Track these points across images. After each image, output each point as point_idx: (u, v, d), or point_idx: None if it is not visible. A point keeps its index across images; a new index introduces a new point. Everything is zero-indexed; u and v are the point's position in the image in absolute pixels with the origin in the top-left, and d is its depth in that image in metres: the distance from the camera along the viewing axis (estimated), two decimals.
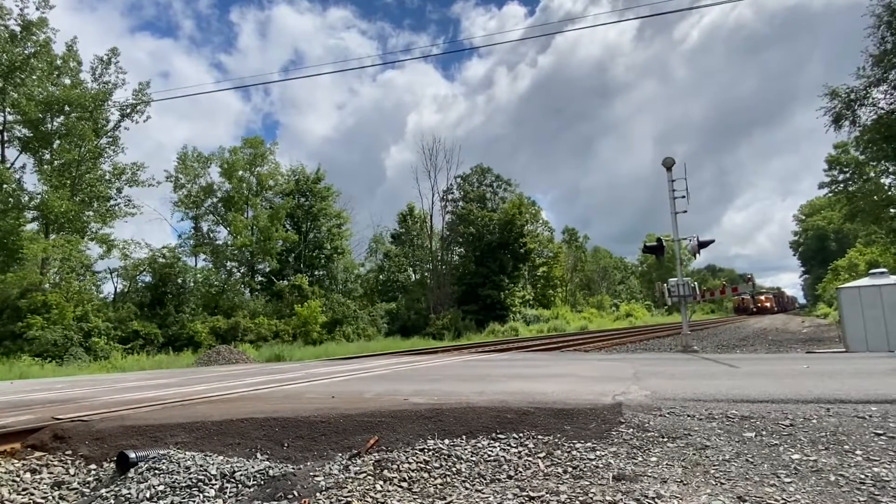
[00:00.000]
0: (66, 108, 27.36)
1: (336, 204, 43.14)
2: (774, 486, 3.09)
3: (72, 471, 4.14)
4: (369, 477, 3.48)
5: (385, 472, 3.56)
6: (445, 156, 55.46)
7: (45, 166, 27.74)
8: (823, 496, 2.92)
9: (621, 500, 2.94)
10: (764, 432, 4.03)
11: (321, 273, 41.86)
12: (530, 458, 3.79)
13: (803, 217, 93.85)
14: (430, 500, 3.18)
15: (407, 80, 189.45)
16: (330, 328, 33.05)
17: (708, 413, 4.58)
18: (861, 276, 21.22)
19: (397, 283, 47.09)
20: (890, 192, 28.04)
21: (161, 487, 3.44)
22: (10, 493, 3.75)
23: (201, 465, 3.75)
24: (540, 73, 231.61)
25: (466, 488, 3.35)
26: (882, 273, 14.02)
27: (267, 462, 4.02)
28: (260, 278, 39.57)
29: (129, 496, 3.37)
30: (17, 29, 26.00)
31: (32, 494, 3.77)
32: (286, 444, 4.40)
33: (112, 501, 3.38)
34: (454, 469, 3.65)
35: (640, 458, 3.68)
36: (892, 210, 27.66)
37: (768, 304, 79.14)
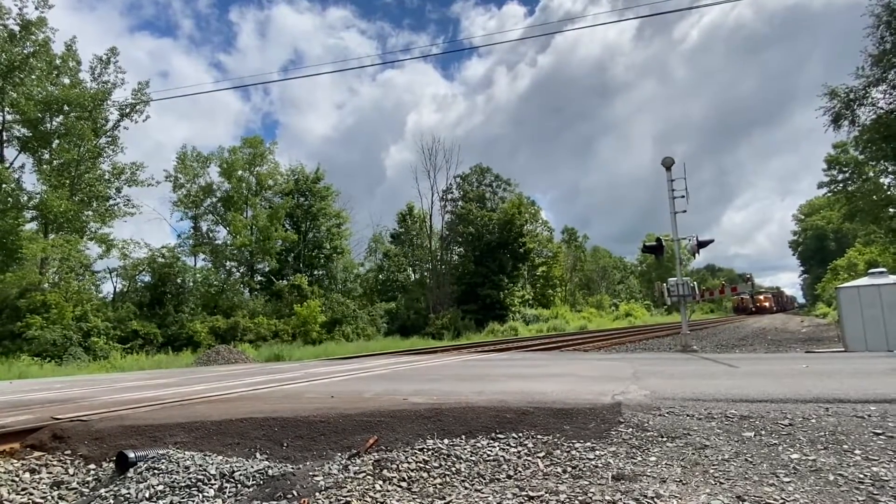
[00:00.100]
0: (66, 107, 27.34)
1: (335, 203, 43.18)
2: (773, 485, 3.10)
3: (71, 471, 4.14)
4: (368, 477, 3.48)
5: (384, 471, 3.56)
6: (445, 155, 55.63)
7: (45, 166, 27.71)
8: (822, 495, 2.92)
9: (620, 499, 2.94)
10: (763, 432, 4.04)
11: (320, 273, 41.85)
12: (529, 458, 3.79)
13: (802, 217, 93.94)
14: (430, 499, 3.18)
15: (406, 80, 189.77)
16: (329, 328, 33.04)
17: (707, 413, 4.58)
18: (860, 275, 21.23)
19: (397, 282, 47.09)
20: (889, 192, 28.06)
21: (160, 487, 3.44)
22: (9, 493, 3.75)
23: (200, 465, 3.75)
24: (539, 73, 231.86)
25: (466, 488, 3.36)
26: (881, 273, 14.03)
27: (266, 462, 4.02)
28: (259, 278, 39.57)
29: (128, 496, 3.37)
30: (17, 28, 25.99)
31: (32, 494, 3.77)
32: (285, 444, 4.40)
33: (111, 501, 3.38)
34: (453, 469, 3.65)
35: (639, 458, 3.68)
36: (891, 210, 27.68)
37: (767, 304, 79.07)
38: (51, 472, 4.10)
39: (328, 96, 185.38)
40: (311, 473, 3.58)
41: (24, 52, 26.19)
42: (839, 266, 49.28)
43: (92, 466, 4.19)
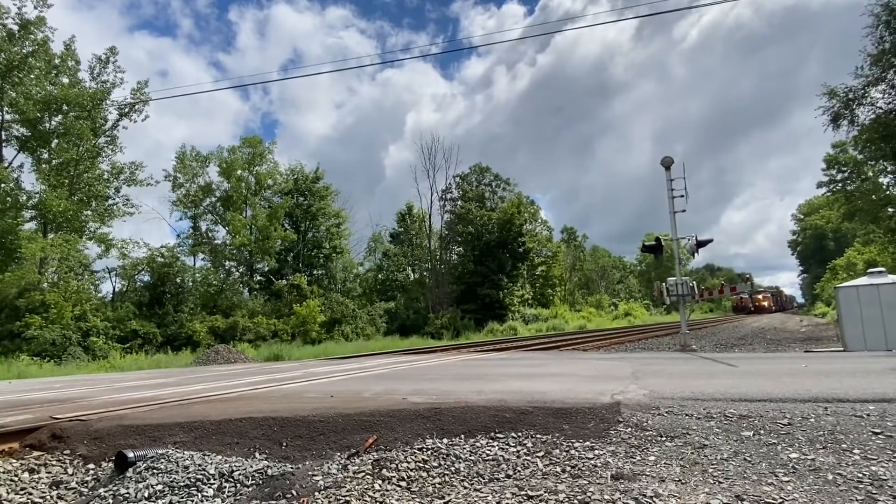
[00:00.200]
0: (65, 107, 27.30)
1: (335, 203, 43.16)
2: (772, 484, 3.10)
3: (70, 470, 4.14)
4: (368, 476, 3.48)
5: (384, 471, 3.56)
6: (444, 155, 55.78)
7: (44, 165, 27.68)
8: (821, 495, 2.93)
9: (620, 499, 2.94)
10: (762, 431, 4.04)
11: (320, 272, 41.84)
12: (529, 458, 3.79)
13: (802, 216, 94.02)
14: (429, 499, 3.18)
15: (406, 80, 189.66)
16: (329, 327, 33.03)
17: (706, 412, 4.59)
18: (859, 275, 21.25)
19: (396, 282, 47.08)
20: (888, 192, 28.07)
21: (159, 487, 3.44)
22: (8, 493, 3.74)
23: (200, 465, 3.75)
24: (539, 73, 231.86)
25: (465, 487, 3.36)
26: (880, 272, 14.03)
27: (265, 461, 4.02)
28: (258, 278, 39.55)
29: (127, 496, 3.37)
30: (15, 28, 25.95)
31: (31, 494, 3.77)
32: (285, 444, 4.40)
33: (110, 501, 3.38)
34: (453, 468, 3.65)
35: (638, 458, 3.69)
36: (890, 209, 27.68)
37: (766, 304, 78.92)
38: (50, 472, 4.10)
39: (327, 96, 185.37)
40: (310, 473, 3.58)
41: (23, 51, 26.16)
42: (838, 266, 49.32)
43: (91, 466, 4.19)
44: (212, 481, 3.53)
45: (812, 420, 4.24)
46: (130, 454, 3.90)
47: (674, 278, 14.50)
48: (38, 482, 3.94)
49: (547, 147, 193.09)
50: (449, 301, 41.34)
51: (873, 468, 3.25)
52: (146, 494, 3.36)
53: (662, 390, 5.82)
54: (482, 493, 3.22)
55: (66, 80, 28.22)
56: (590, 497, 3.00)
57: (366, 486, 3.33)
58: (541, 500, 3.03)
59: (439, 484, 3.43)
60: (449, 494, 3.23)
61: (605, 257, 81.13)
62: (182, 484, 3.47)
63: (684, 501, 2.87)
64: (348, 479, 3.43)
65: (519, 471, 3.59)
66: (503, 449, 3.96)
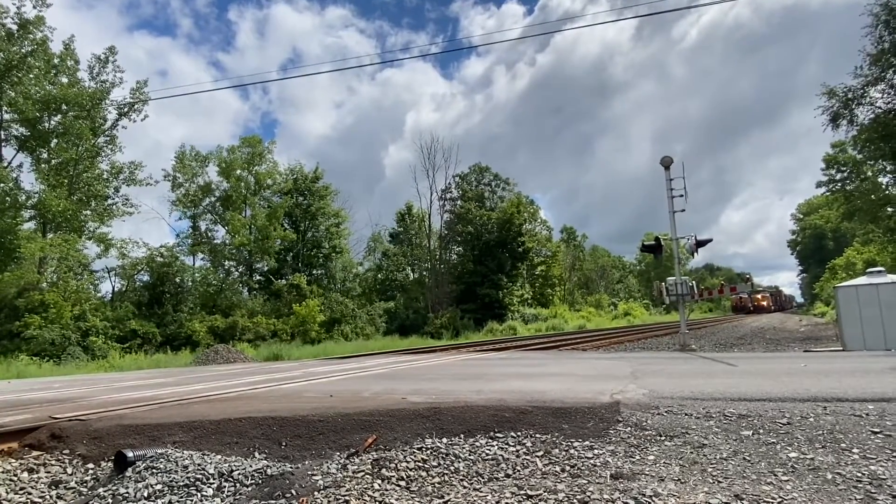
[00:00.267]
0: (64, 106, 27.26)
1: (334, 203, 43.13)
2: (771, 484, 3.10)
3: (69, 470, 4.13)
4: (367, 476, 3.48)
5: (383, 470, 3.56)
6: (444, 155, 55.86)
7: (43, 165, 27.65)
8: (820, 494, 2.93)
9: (619, 498, 2.94)
10: (761, 431, 4.04)
11: (319, 272, 41.82)
12: (528, 457, 3.79)
13: (801, 216, 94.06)
14: (428, 498, 3.18)
15: (405, 79, 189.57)
16: (328, 327, 33.02)
17: (705, 412, 4.59)
18: (858, 274, 21.26)
19: (396, 282, 47.08)
20: (887, 191, 28.08)
21: (159, 487, 3.44)
22: (7, 493, 3.74)
23: (199, 465, 3.75)
24: (538, 72, 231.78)
25: (464, 487, 3.36)
26: (879, 272, 14.04)
27: (265, 461, 4.02)
28: (258, 277, 39.53)
29: (126, 495, 3.37)
30: (14, 27, 25.91)
31: (30, 494, 3.77)
32: (284, 444, 4.40)
33: (110, 500, 3.38)
34: (452, 468, 3.65)
35: (637, 457, 3.69)
36: (889, 209, 27.70)
37: (765, 303, 78.83)
38: (49, 472, 4.10)
39: (327, 95, 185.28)
40: (309, 473, 3.58)
41: (22, 51, 26.13)
42: (837, 265, 49.33)
43: (90, 466, 4.19)
44: (211, 481, 3.53)
45: (811, 419, 4.24)
46: (130, 454, 3.90)
47: (673, 278, 14.51)
48: (37, 482, 3.94)
49: (546, 147, 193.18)
50: (448, 301, 41.34)
51: (872, 467, 3.25)
52: (145, 494, 3.36)
53: (662, 390, 5.82)
54: (481, 492, 3.22)
55: (65, 80, 28.19)
56: (589, 496, 3.00)
57: (365, 486, 3.32)
58: (540, 500, 3.03)
59: (439, 483, 3.43)
60: (448, 494, 3.23)
61: (605, 257, 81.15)
62: (181, 483, 3.47)
63: (683, 501, 2.88)
64: (348, 479, 3.43)
65: (518, 470, 3.59)
66: (502, 448, 3.96)
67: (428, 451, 3.91)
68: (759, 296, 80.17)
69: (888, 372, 6.95)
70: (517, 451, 3.91)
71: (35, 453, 4.40)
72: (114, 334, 24.86)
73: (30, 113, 26.03)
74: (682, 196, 14.36)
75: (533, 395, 5.50)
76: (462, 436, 4.29)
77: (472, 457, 3.81)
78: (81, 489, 3.85)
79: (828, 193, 38.69)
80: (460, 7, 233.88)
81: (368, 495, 3.19)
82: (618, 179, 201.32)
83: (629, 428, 4.26)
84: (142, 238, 47.46)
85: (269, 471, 3.67)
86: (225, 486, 3.48)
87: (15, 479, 3.96)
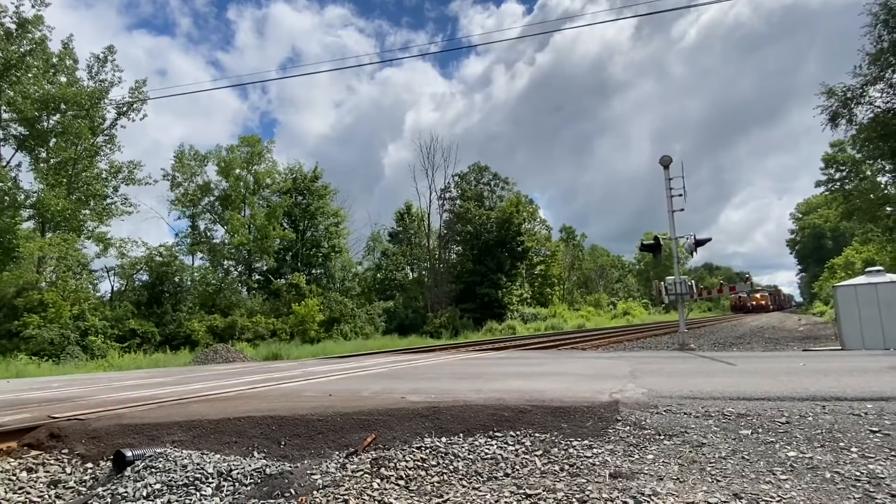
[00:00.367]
0: (63, 106, 27.21)
1: (334, 202, 43.07)
2: (770, 483, 3.10)
3: (68, 469, 4.13)
4: (366, 475, 3.48)
5: (382, 470, 3.56)
6: (443, 154, 55.80)
7: (42, 164, 27.61)
8: (819, 493, 2.93)
9: (618, 497, 2.94)
10: (760, 430, 4.05)
11: (319, 271, 41.78)
12: (527, 456, 3.80)
13: (800, 215, 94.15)
14: (427, 498, 3.18)
15: (405, 79, 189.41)
16: (327, 326, 33.02)
17: (704, 411, 4.59)
18: (857, 274, 21.26)
19: (395, 281, 47.07)
20: (886, 191, 28.09)
21: (158, 486, 3.43)
22: (6, 492, 3.74)
23: (198, 464, 3.75)
24: (538, 72, 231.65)
25: (463, 486, 3.36)
26: (878, 271, 14.05)
27: (264, 460, 4.02)
28: (257, 277, 39.49)
29: (125, 494, 3.37)
30: (13, 27, 25.84)
31: (29, 493, 3.76)
32: (283, 443, 4.40)
33: (109, 500, 3.38)
34: (451, 467, 3.65)
35: (636, 456, 3.69)
36: (888, 208, 27.69)
37: (763, 302, 78.73)
38: (48, 471, 4.09)
39: (326, 95, 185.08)
40: (308, 472, 3.58)
41: (21, 50, 26.06)
42: (836, 264, 49.33)
43: (89, 465, 4.19)
44: (210, 480, 3.53)
45: (810, 418, 4.25)
46: (129, 453, 3.90)
47: (672, 277, 14.52)
48: (36, 481, 3.94)
49: (546, 146, 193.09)
50: (447, 300, 41.34)
51: (871, 466, 3.25)
52: (144, 493, 3.36)
53: (661, 389, 5.83)
54: (481, 491, 3.22)
55: (64, 79, 28.14)
56: (588, 495, 3.00)
57: (364, 485, 3.33)
58: (539, 499, 3.03)
59: (438, 483, 3.43)
60: (447, 493, 3.23)
61: (604, 256, 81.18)
62: (180, 483, 3.46)
63: (682, 500, 2.88)
64: (347, 478, 3.43)
65: (517, 469, 3.59)
66: (502, 448, 3.96)
67: (427, 451, 3.91)
68: (758, 295, 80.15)
69: (886, 371, 6.96)
70: (516, 450, 3.91)
71: (34, 453, 4.39)
72: (113, 334, 24.84)
73: (28, 112, 25.99)
74: (681, 195, 14.38)
75: (532, 395, 5.50)
76: (461, 435, 4.29)
77: (471, 456, 3.81)
78: (80, 488, 3.85)
79: (827, 193, 38.67)
80: (459, 6, 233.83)
81: (367, 494, 3.19)
82: (617, 179, 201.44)
83: (628, 427, 4.26)
84: (141, 237, 47.34)
85: (268, 470, 3.67)
86: (224, 486, 3.48)
87: (14, 478, 3.96)
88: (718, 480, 3.18)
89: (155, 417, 5.04)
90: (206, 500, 3.30)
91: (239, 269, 39.01)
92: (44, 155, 27.95)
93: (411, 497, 3.20)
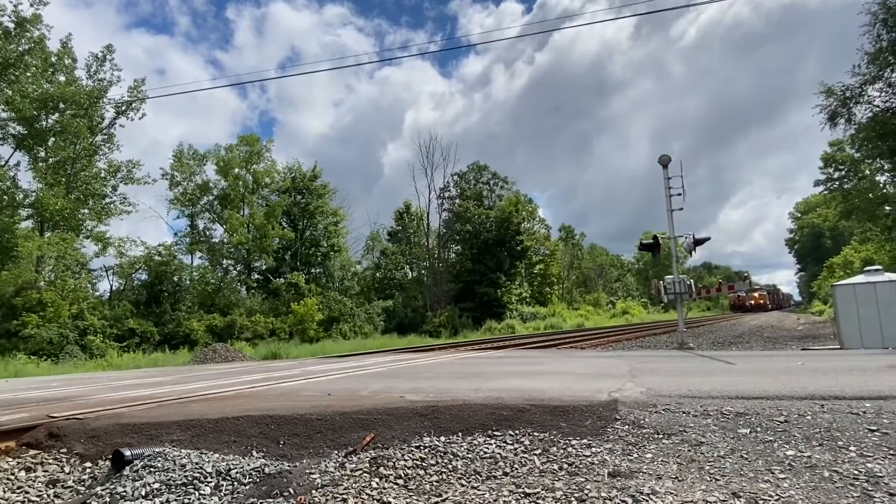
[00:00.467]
0: (61, 105, 27.18)
1: (333, 201, 43.07)
2: (769, 482, 3.11)
3: (67, 469, 4.13)
4: (365, 474, 3.48)
5: (381, 469, 3.56)
6: (442, 153, 55.92)
7: (40, 164, 27.57)
8: (817, 492, 2.93)
9: (617, 496, 2.94)
10: (759, 429, 4.05)
11: (318, 271, 41.77)
12: (526, 455, 3.80)
13: (799, 214, 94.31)
14: (426, 497, 3.18)
15: (404, 78, 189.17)
16: (326, 326, 33.02)
17: (703, 410, 4.60)
18: (856, 273, 21.28)
19: (394, 280, 47.07)
20: (885, 190, 28.12)
21: (156, 485, 3.43)
22: (4, 492, 3.74)
23: (197, 463, 3.75)
24: (537, 71, 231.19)
25: (462, 485, 3.36)
26: (877, 270, 14.06)
27: (263, 460, 4.02)
28: (256, 276, 39.48)
29: (124, 494, 3.37)
30: (11, 26, 25.80)
31: (27, 493, 3.76)
32: (282, 442, 4.40)
33: (107, 499, 3.37)
34: (450, 466, 3.65)
35: (635, 455, 3.69)
36: (886, 208, 27.71)
37: (762, 301, 78.67)
38: (46, 471, 4.09)
39: (325, 94, 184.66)
40: (307, 471, 3.58)
41: (20, 49, 26.03)
42: (835, 264, 49.39)
43: (88, 465, 4.18)
44: (209, 479, 3.52)
45: (808, 417, 4.25)
46: (127, 452, 3.90)
47: (671, 276, 14.53)
48: (34, 481, 3.93)
49: (545, 145, 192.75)
50: (447, 299, 41.35)
51: (869, 465, 3.26)
52: (143, 493, 3.36)
53: (659, 388, 5.83)
54: (479, 490, 3.22)
55: (62, 78, 28.11)
56: (587, 494, 3.00)
57: (363, 484, 3.33)
58: (538, 498, 3.03)
59: (437, 482, 3.43)
60: (446, 492, 3.23)
61: (603, 256, 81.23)
62: (179, 482, 3.46)
63: (681, 499, 2.88)
64: (345, 478, 3.43)
65: (516, 468, 3.59)
66: (500, 447, 3.96)
67: (426, 450, 3.91)
68: (756, 294, 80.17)
69: (885, 370, 6.97)
70: (515, 449, 3.92)
71: (32, 452, 4.39)
72: (112, 333, 24.83)
73: (27, 111, 25.95)
74: (680, 195, 14.39)
75: (531, 394, 5.50)
76: (460, 434, 4.29)
77: (470, 455, 3.82)
78: (79, 488, 3.84)
79: (826, 192, 38.76)
80: (459, 5, 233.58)
81: (366, 493, 3.19)
82: (616, 178, 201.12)
83: (627, 426, 4.27)
84: (140, 237, 47.50)
85: (266, 469, 3.67)
86: (223, 485, 3.48)
87: (12, 477, 3.96)
88: (717, 479, 3.18)
89: (154, 417, 5.04)
90: (204, 499, 3.30)
91: (238, 269, 39.00)
92: (42, 154, 27.92)
93: (410, 496, 3.20)
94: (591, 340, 23.43)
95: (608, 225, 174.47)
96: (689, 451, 3.70)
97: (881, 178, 29.09)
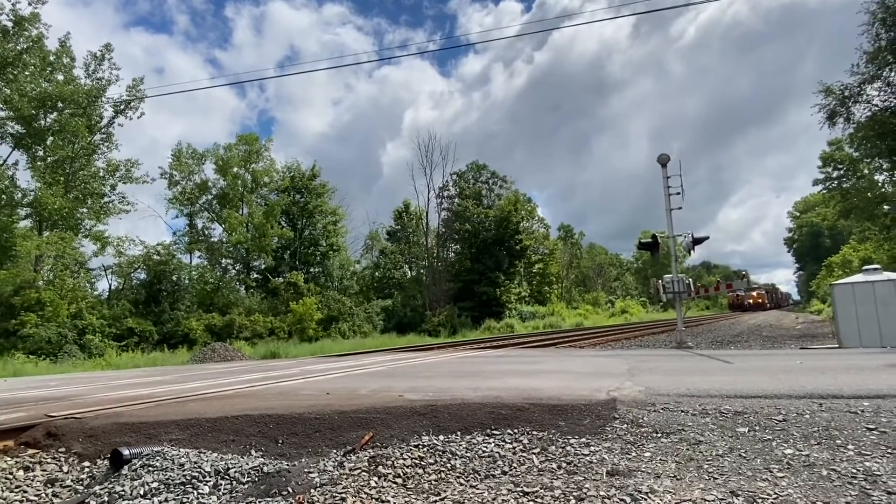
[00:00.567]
0: (60, 104, 27.16)
1: (332, 201, 43.07)
2: (767, 480, 3.11)
3: (65, 468, 4.12)
4: (364, 473, 3.48)
5: (380, 468, 3.56)
6: (441, 152, 55.91)
7: (39, 163, 27.55)
8: (815, 490, 2.94)
9: (615, 495, 2.95)
10: (757, 427, 4.05)
11: (317, 270, 41.77)
12: (525, 454, 3.80)
13: (798, 214, 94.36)
14: (425, 496, 3.18)
15: (403, 77, 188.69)
16: (326, 325, 33.03)
17: (702, 408, 4.60)
18: (854, 272, 21.32)
19: (393, 279, 47.08)
20: (883, 189, 28.14)
21: (155, 484, 3.43)
22: (2, 491, 3.73)
23: (195, 462, 3.74)
24: (536, 70, 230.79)
25: (461, 484, 3.36)
26: (875, 269, 14.09)
27: (261, 459, 4.02)
28: (255, 275, 39.48)
29: (122, 493, 3.36)
30: (10, 24, 25.77)
31: (25, 492, 3.75)
32: (281, 441, 4.40)
33: (106, 499, 3.37)
34: (449, 465, 3.65)
35: (633, 454, 3.70)
36: (885, 207, 27.73)
37: (760, 301, 78.51)
38: (45, 470, 4.09)
39: (324, 93, 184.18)
40: (306, 470, 3.58)
41: (18, 48, 25.99)
42: (834, 263, 49.44)
43: (86, 464, 4.18)
44: (207, 479, 3.52)
45: (807, 416, 4.25)
46: (126, 452, 3.89)
47: (670, 275, 14.54)
48: (32, 480, 3.93)
49: (544, 144, 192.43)
50: (446, 299, 41.36)
51: (867, 464, 3.26)
52: (142, 492, 3.36)
53: (658, 387, 5.83)
54: (478, 489, 3.22)
55: (61, 77, 28.07)
56: (585, 493, 3.01)
57: (362, 483, 3.32)
58: (536, 497, 3.03)
59: (435, 481, 3.43)
60: (445, 491, 3.23)
61: (602, 255, 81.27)
62: (178, 481, 3.46)
63: (679, 497, 2.88)
64: (344, 476, 3.42)
65: (515, 467, 3.59)
66: (499, 446, 3.96)
67: (425, 449, 3.91)
68: (754, 293, 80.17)
69: (883, 369, 6.98)
70: (514, 448, 3.92)
71: (31, 451, 4.39)
72: (110, 332, 24.83)
73: (25, 110, 25.92)
74: (679, 194, 14.40)
75: (530, 393, 5.50)
76: (459, 433, 4.29)
77: (468, 454, 3.82)
78: (77, 487, 3.84)
79: (824, 191, 38.78)
80: (458, 4, 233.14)
81: (365, 492, 3.19)
82: (615, 177, 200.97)
83: (625, 425, 4.27)
84: (138, 236, 47.11)
85: (265, 468, 3.67)
86: (221, 484, 3.48)
87: (10, 477, 3.95)
88: (715, 478, 3.19)
89: (152, 416, 5.04)
90: (203, 498, 3.30)
91: (237, 268, 39.01)
92: (41, 153, 27.90)
93: (409, 495, 3.19)
94: (589, 339, 23.45)
95: (607, 224, 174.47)
96: (687, 449, 3.70)
97: (880, 178, 29.13)
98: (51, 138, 27.58)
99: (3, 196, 25.85)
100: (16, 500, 3.65)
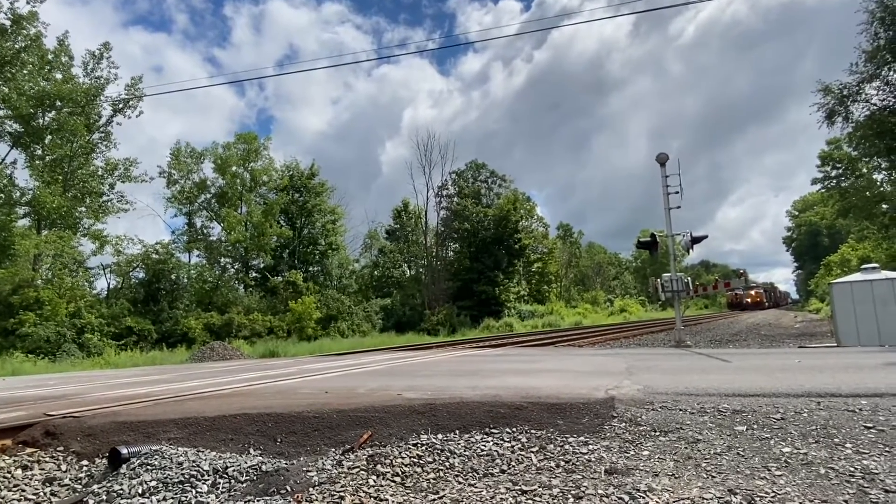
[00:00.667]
0: (58, 103, 27.12)
1: (330, 200, 43.07)
2: (765, 479, 3.11)
3: (63, 467, 4.12)
4: (362, 472, 3.48)
5: (378, 466, 3.56)
6: (440, 151, 55.75)
7: (37, 162, 27.52)
8: (813, 489, 2.94)
9: (613, 493, 2.95)
10: (755, 426, 4.06)
11: (316, 269, 41.77)
12: (523, 453, 3.80)
13: (796, 213, 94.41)
14: (423, 494, 3.18)
15: (402, 75, 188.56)
16: (324, 324, 33.02)
17: (700, 407, 4.60)
18: (853, 271, 21.35)
19: (392, 278, 47.08)
20: (882, 188, 28.18)
21: (153, 483, 3.43)
22: (1, 490, 3.73)
23: (194, 461, 3.74)
24: (535, 69, 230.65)
25: (459, 482, 3.36)
26: (874, 268, 14.11)
27: (260, 457, 4.02)
28: (254, 274, 39.47)
29: (121, 492, 3.36)
30: (8, 23, 25.71)
31: (24, 491, 3.75)
32: (279, 440, 4.40)
33: (104, 497, 3.37)
34: (447, 464, 3.65)
35: (632, 452, 3.70)
36: (884, 206, 27.76)
37: (758, 299, 78.31)
38: (43, 469, 4.08)
39: (323, 92, 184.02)
40: (304, 469, 3.58)
41: (16, 46, 25.93)
42: (832, 262, 49.47)
43: (84, 463, 4.18)
44: (206, 477, 3.52)
45: (805, 415, 4.26)
46: (124, 450, 3.89)
47: (669, 274, 14.54)
48: (31, 479, 3.93)
49: (543, 143, 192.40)
50: (445, 297, 41.37)
51: (865, 462, 3.27)
52: (140, 491, 3.36)
53: (656, 386, 5.84)
54: (477, 487, 3.23)
55: (59, 76, 28.03)
56: (583, 491, 3.01)
57: (360, 482, 3.33)
58: (535, 495, 3.03)
59: (434, 479, 3.43)
60: (443, 489, 3.23)
61: (601, 254, 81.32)
62: (176, 480, 3.46)
63: (677, 496, 2.89)
64: (343, 475, 3.43)
65: (513, 466, 3.60)
66: (497, 444, 3.96)
67: (423, 447, 3.91)
68: (752, 292, 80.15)
69: (882, 368, 6.99)
70: (512, 446, 3.92)
71: (29, 450, 4.38)
72: (109, 331, 24.81)
73: (24, 109, 25.87)
74: (677, 193, 14.39)
75: (528, 391, 5.51)
76: (457, 432, 4.30)
77: (467, 453, 3.82)
78: (76, 486, 3.84)
79: (823, 190, 38.79)
80: (457, 3, 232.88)
81: (363, 491, 3.19)
82: (614, 176, 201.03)
83: (624, 423, 4.27)
84: (137, 235, 47.13)
85: (263, 467, 3.67)
86: (220, 483, 3.48)
87: (9, 476, 3.95)
88: (713, 476, 3.19)
89: (151, 415, 5.03)
90: (201, 497, 3.30)
91: (236, 267, 38.99)
92: (39, 152, 27.87)
93: (407, 493, 3.20)
94: (588, 338, 23.46)
95: (606, 223, 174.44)
96: (685, 448, 3.71)
97: (878, 177, 29.17)
98: (49, 137, 27.54)
99: (2, 195, 25.80)
100: (14, 499, 3.65)
